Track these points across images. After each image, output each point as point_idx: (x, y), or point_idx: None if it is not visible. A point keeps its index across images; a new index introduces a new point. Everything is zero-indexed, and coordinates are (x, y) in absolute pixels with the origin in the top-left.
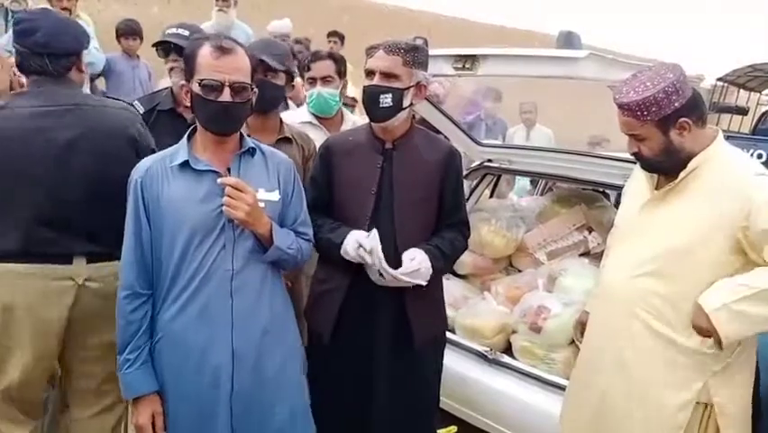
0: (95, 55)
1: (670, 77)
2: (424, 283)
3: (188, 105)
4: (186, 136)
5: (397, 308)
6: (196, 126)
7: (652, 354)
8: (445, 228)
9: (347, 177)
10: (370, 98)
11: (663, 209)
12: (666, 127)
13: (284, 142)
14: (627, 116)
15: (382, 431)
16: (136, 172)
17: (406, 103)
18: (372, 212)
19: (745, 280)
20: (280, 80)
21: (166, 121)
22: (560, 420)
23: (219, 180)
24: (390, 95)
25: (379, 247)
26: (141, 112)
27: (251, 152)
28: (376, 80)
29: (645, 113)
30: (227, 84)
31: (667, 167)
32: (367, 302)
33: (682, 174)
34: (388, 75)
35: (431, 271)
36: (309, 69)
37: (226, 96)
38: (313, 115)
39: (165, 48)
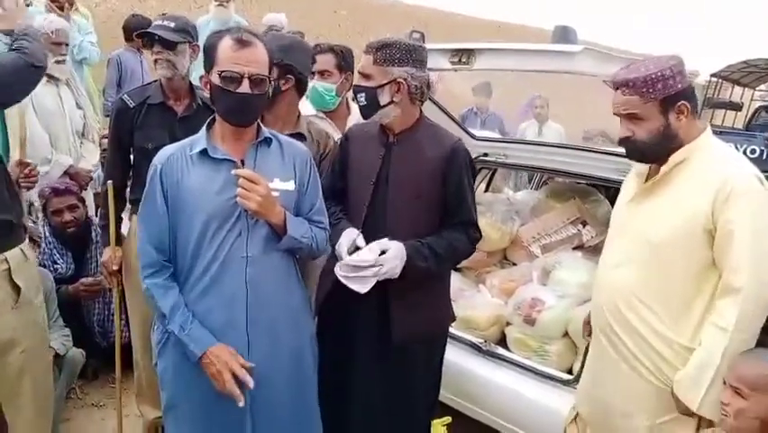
0: (88, 49)
1: (671, 62)
2: (366, 284)
3: (209, 95)
4: (205, 126)
5: (381, 302)
6: (215, 117)
7: (642, 349)
8: (449, 228)
9: (355, 166)
10: (355, 97)
11: (649, 202)
12: (667, 108)
13: (296, 137)
14: (630, 94)
15: (360, 424)
16: (158, 159)
17: (383, 100)
18: (370, 203)
19: (703, 354)
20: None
21: (156, 114)
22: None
23: (233, 171)
24: (364, 93)
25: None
26: (131, 106)
27: (268, 141)
28: (356, 79)
29: (651, 90)
30: (246, 75)
31: (658, 152)
32: (351, 295)
33: (665, 168)
34: (362, 74)
35: (396, 269)
36: (314, 62)
37: (245, 87)
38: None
39: (149, 39)
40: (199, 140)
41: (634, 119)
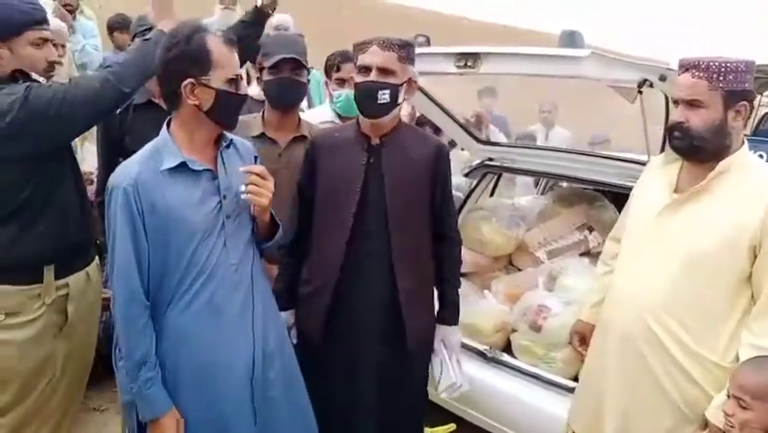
0: (90, 54)
1: (746, 60)
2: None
3: (194, 101)
4: (167, 136)
5: (389, 308)
6: (169, 122)
7: (665, 366)
8: (444, 252)
9: (330, 175)
10: (368, 95)
11: (688, 212)
12: (729, 103)
13: (301, 140)
14: (699, 78)
15: (368, 431)
16: (123, 179)
17: (400, 99)
18: (356, 213)
19: None
20: (304, 77)
21: (145, 114)
22: (569, 421)
23: (242, 169)
24: (388, 91)
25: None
26: (116, 111)
27: (228, 144)
28: (373, 76)
29: (721, 78)
30: (240, 76)
31: (706, 146)
32: (357, 302)
33: (711, 174)
34: (384, 71)
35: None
36: (339, 70)
37: (243, 87)
38: (336, 114)
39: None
40: (168, 153)
41: (694, 105)
